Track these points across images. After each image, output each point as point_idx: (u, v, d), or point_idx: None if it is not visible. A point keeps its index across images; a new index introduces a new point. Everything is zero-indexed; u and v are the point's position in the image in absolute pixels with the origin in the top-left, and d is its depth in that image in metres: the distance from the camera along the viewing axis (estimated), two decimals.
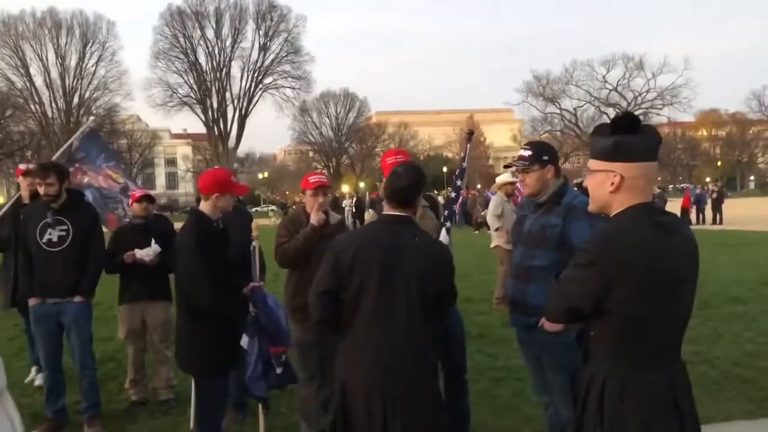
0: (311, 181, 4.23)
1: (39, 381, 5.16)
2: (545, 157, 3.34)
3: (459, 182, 4.41)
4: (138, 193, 5.36)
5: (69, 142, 6.59)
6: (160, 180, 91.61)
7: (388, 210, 2.94)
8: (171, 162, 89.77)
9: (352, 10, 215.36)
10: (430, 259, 2.84)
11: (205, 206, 3.81)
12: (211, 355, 3.73)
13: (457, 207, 4.28)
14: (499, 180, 9.16)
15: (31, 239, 4.64)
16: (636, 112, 19.25)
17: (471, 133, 4.84)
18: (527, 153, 3.37)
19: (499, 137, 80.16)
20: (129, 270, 5.09)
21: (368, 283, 2.77)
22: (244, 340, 3.77)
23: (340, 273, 2.81)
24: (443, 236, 3.87)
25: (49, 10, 56.58)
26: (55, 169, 4.71)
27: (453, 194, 4.33)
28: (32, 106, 56.63)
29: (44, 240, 4.60)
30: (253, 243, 3.90)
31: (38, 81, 56.98)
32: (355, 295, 2.79)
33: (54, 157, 6.20)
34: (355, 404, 2.77)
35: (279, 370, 3.79)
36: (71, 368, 4.91)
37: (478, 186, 45.73)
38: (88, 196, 5.72)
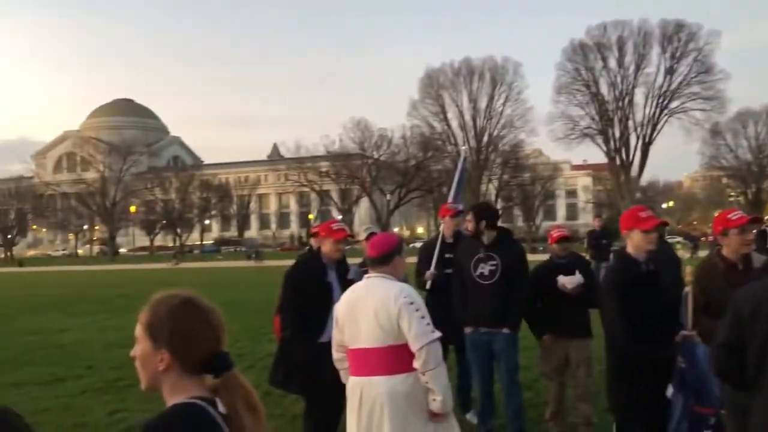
0: (732, 218, 3.66)
1: (469, 416, 5.71)
2: None
3: None
4: (556, 234, 5.29)
5: (457, 179, 6.73)
6: (561, 211, 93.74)
7: None
8: (571, 193, 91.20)
9: None
10: None
11: (629, 246, 3.76)
12: (632, 398, 3.67)
13: None
14: None
15: (466, 273, 5.16)
16: None
17: None
18: None
19: None
20: (553, 305, 5.16)
21: None
22: (670, 391, 3.57)
23: (739, 327, 2.63)
24: None
25: (465, 60, 63.52)
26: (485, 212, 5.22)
27: None
28: (448, 147, 63.77)
29: (477, 273, 5.08)
30: (686, 288, 3.64)
31: (454, 124, 64.27)
32: (759, 352, 2.56)
33: (450, 197, 6.46)
34: None
35: None
36: (499, 393, 5.29)
37: None
38: None
